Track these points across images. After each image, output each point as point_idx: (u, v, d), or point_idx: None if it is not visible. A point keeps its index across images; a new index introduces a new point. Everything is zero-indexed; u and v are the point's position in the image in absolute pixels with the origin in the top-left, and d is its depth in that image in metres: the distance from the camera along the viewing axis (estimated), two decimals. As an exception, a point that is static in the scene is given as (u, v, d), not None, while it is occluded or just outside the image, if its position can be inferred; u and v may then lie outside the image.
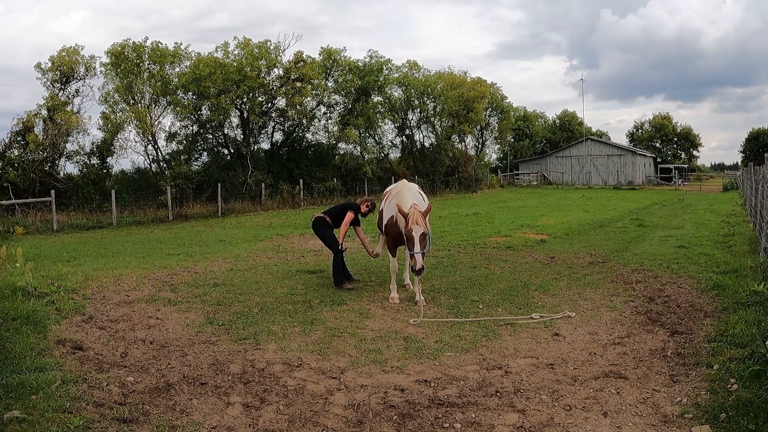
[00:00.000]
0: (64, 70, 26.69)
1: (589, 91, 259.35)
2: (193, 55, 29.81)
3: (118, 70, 27.73)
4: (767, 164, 11.17)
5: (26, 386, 4.63)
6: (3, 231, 18.05)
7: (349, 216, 9.01)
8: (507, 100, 51.08)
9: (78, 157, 27.91)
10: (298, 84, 30.73)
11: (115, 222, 22.01)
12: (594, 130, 73.81)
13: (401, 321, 7.06)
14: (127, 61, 27.71)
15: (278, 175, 31.11)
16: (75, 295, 8.07)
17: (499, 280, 9.33)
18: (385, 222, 8.39)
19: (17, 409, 4.20)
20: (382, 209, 8.68)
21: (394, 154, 43.01)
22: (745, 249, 11.41)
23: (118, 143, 28.78)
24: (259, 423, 4.35)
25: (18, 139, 25.27)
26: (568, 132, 67.69)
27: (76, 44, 32.33)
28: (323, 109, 35.93)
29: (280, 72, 30.99)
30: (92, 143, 28.38)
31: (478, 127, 47.54)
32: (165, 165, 30.02)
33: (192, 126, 31.37)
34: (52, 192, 21.37)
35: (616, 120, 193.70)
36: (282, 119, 33.16)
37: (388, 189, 9.12)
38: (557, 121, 70.34)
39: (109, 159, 29.22)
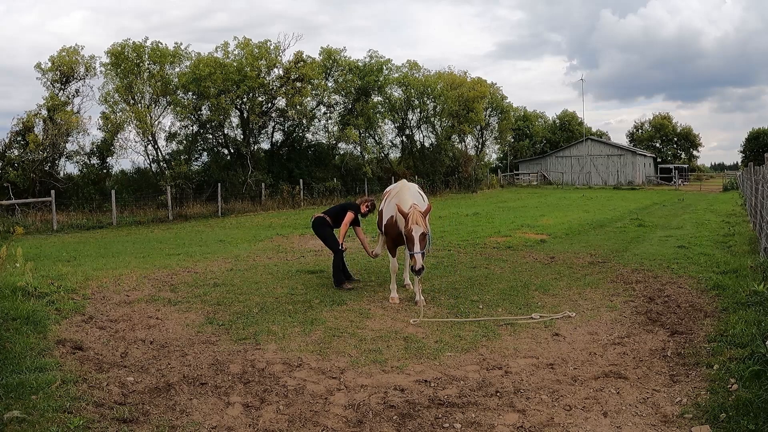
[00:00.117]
0: (64, 70, 26.69)
1: (589, 91, 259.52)
2: (193, 55, 29.85)
3: (118, 70, 27.74)
4: (767, 164, 11.17)
5: (26, 386, 4.63)
6: (3, 231, 18.05)
7: (349, 216, 9.02)
8: (507, 100, 51.13)
9: (78, 157, 27.95)
10: (298, 84, 30.73)
11: (115, 222, 22.01)
12: (594, 130, 73.90)
13: (401, 321, 7.06)
14: (127, 61, 27.71)
15: (278, 175, 31.11)
16: (75, 295, 8.07)
17: (499, 280, 9.33)
18: (384, 222, 8.38)
19: (17, 409, 4.20)
20: (381, 209, 8.68)
21: (394, 154, 43.07)
22: (745, 249, 11.41)
23: (118, 143, 28.83)
24: (259, 423, 4.35)
25: (18, 139, 25.27)
26: (568, 132, 67.69)
27: (76, 44, 32.38)
28: (323, 109, 35.98)
29: (280, 72, 31.00)
30: (92, 143, 28.44)
31: (478, 127, 47.53)
32: (165, 165, 30.03)
33: (192, 126, 31.39)
34: (52, 192, 21.37)
35: (616, 120, 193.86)
36: (282, 119, 33.17)
37: (387, 189, 9.11)
38: (557, 121, 70.34)
39: (109, 159, 29.26)
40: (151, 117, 29.12)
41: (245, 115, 30.73)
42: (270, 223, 20.93)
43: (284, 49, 30.93)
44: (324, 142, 36.38)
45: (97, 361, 5.56)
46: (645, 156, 60.78)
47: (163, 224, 22.13)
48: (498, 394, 4.83)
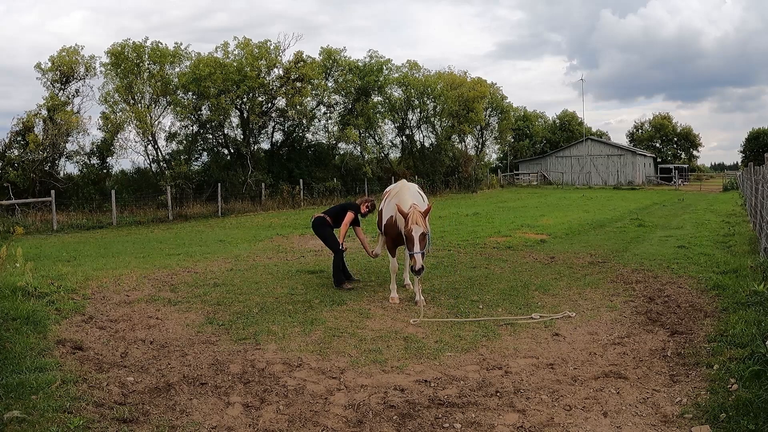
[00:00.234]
0: (64, 70, 26.68)
1: (589, 91, 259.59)
2: (193, 55, 29.84)
3: (118, 70, 27.73)
4: (767, 164, 11.17)
5: (26, 386, 4.63)
6: (3, 231, 18.05)
7: (349, 216, 9.02)
8: (507, 100, 51.13)
9: (78, 157, 27.93)
10: (298, 84, 30.72)
11: (115, 222, 22.01)
12: (594, 130, 73.89)
13: (401, 321, 7.06)
14: (127, 61, 27.71)
15: (278, 175, 31.11)
16: (75, 295, 8.07)
17: (499, 280, 9.33)
18: (384, 222, 8.38)
19: (17, 409, 4.20)
20: (381, 209, 8.68)
21: (394, 154, 43.06)
22: (745, 249, 11.41)
23: (118, 143, 28.80)
24: (259, 423, 4.35)
25: (18, 139, 25.26)
26: (568, 132, 67.68)
27: (76, 44, 32.36)
28: (323, 109, 35.97)
29: (280, 72, 31.00)
30: (92, 143, 28.41)
31: (478, 127, 47.53)
32: (165, 165, 30.02)
33: (192, 126, 31.38)
34: (52, 192, 21.37)
35: (616, 120, 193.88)
36: (282, 119, 33.17)
37: (387, 189, 9.11)
38: (557, 121, 70.33)
39: (109, 159, 29.24)
40: (151, 117, 29.12)
41: (245, 115, 30.73)
42: (270, 223, 20.94)
43: (284, 49, 30.97)
44: (324, 142, 36.38)
45: (97, 361, 5.56)
46: (645, 156, 60.78)
47: (163, 224, 22.13)
48: (498, 394, 4.83)
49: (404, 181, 8.64)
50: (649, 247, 12.48)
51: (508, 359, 5.67)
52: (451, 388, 4.96)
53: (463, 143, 46.20)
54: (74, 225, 20.93)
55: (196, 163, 31.99)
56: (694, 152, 79.81)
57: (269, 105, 31.46)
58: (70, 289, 8.34)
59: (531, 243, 13.60)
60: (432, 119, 42.19)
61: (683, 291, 8.20)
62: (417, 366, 5.50)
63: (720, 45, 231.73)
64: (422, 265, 7.17)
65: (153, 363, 5.60)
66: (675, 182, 51.41)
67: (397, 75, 38.74)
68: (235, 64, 29.33)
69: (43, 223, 20.56)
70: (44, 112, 25.81)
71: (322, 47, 37.51)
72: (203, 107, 29.79)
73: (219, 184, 26.45)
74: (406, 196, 7.90)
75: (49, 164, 25.91)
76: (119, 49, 27.74)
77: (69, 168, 28.36)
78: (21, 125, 25.15)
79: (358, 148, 38.10)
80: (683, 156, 78.16)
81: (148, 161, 30.63)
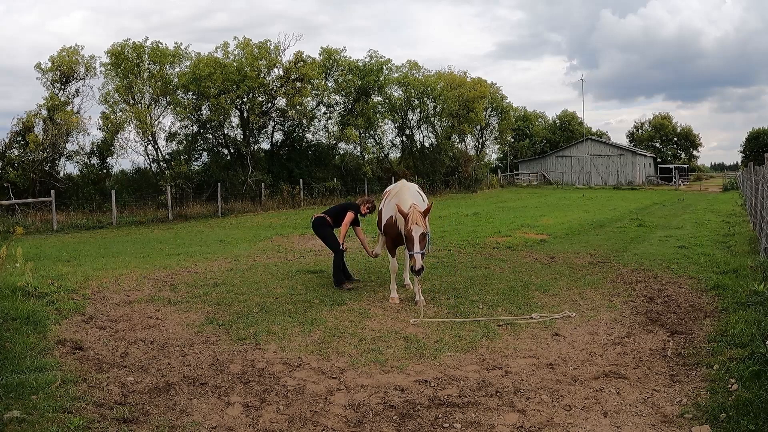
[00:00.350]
0: (64, 70, 26.67)
1: (589, 91, 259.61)
2: (193, 55, 29.83)
3: (118, 70, 27.72)
4: (767, 164, 11.17)
5: (26, 386, 4.63)
6: (3, 231, 18.05)
7: (350, 216, 9.02)
8: (507, 100, 51.11)
9: (78, 157, 27.92)
10: (298, 84, 30.72)
11: (115, 222, 22.01)
12: (594, 130, 73.88)
13: (401, 321, 7.06)
14: (127, 61, 27.70)
15: (278, 175, 31.11)
16: (75, 295, 8.07)
17: (499, 280, 9.33)
18: (384, 222, 8.38)
19: (17, 409, 4.20)
20: (381, 209, 8.68)
21: (394, 154, 43.05)
22: (745, 249, 11.41)
23: (118, 143, 28.79)
24: (259, 423, 4.35)
25: (18, 139, 25.26)
26: (568, 132, 67.67)
27: (76, 44, 32.34)
28: (323, 109, 35.98)
29: (280, 72, 30.99)
30: (92, 143, 28.41)
31: (478, 127, 47.52)
32: (165, 165, 30.02)
33: (192, 126, 31.37)
34: (52, 192, 21.37)
35: (616, 120, 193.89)
36: (282, 119, 33.16)
37: (387, 189, 9.11)
38: (557, 121, 70.32)
39: (109, 159, 29.23)
40: (151, 117, 29.11)
41: (245, 115, 30.73)
42: (270, 223, 20.93)
43: (284, 49, 30.96)
44: (324, 142, 36.38)
45: (97, 361, 5.56)
46: (645, 156, 60.78)
47: (163, 224, 22.13)
48: (498, 394, 4.83)
49: (404, 181, 8.64)
50: (649, 247, 12.48)
51: (508, 359, 5.67)
52: (451, 388, 4.96)
53: (463, 143, 46.23)
54: (74, 225, 20.93)
55: (196, 163, 32.01)
56: (694, 152, 79.87)
57: (269, 105, 31.46)
58: (70, 289, 8.34)
59: (531, 243, 13.60)
60: (432, 119, 42.19)
61: (683, 291, 8.20)
62: (417, 366, 5.50)
63: (720, 45, 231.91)
64: (422, 265, 7.17)
65: (153, 363, 5.60)
66: (675, 182, 51.41)
67: (397, 75, 38.74)
68: (235, 64, 29.33)
69: (43, 223, 20.55)
70: (44, 112, 25.81)
71: (322, 47, 37.56)
72: (203, 107, 29.78)
73: (219, 184, 26.44)
74: (406, 196, 7.89)
75: (49, 164, 25.91)
76: (119, 49, 27.73)
77: (69, 168, 28.42)
78: (21, 125, 25.14)
79: (358, 148, 38.12)
80: (683, 156, 78.16)
81: (148, 161, 30.67)
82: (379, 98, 38.14)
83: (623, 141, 76.37)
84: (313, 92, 33.03)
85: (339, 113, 36.49)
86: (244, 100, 29.86)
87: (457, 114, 41.62)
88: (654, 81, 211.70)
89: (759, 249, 10.45)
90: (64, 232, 19.46)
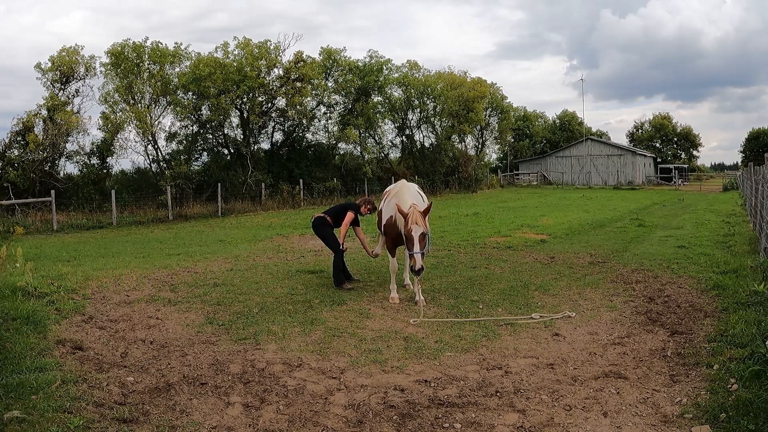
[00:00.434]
0: (64, 70, 26.67)
1: (589, 91, 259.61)
2: (193, 55, 29.83)
3: (118, 70, 27.73)
4: (767, 164, 11.17)
5: (26, 386, 4.63)
6: (3, 231, 18.05)
7: (350, 216, 9.02)
8: (507, 100, 51.13)
9: (78, 157, 27.93)
10: (298, 84, 30.72)
11: (115, 222, 22.01)
12: (594, 130, 73.89)
13: (401, 321, 7.06)
14: (127, 61, 27.70)
15: (278, 175, 31.11)
16: (75, 295, 8.07)
17: (499, 280, 9.33)
18: (384, 222, 8.38)
19: (17, 409, 4.20)
20: (381, 209, 8.68)
21: (394, 154, 43.06)
22: (745, 249, 11.41)
23: (118, 143, 28.79)
24: (259, 423, 4.35)
25: (18, 139, 25.26)
26: (568, 132, 67.68)
27: (75, 44, 32.36)
28: (323, 109, 35.98)
29: (280, 72, 31.00)
30: (92, 143, 28.41)
31: (478, 127, 47.53)
32: (165, 165, 30.02)
33: (192, 126, 31.38)
34: (52, 192, 21.37)
35: (616, 120, 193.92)
36: (282, 119, 33.16)
37: (387, 189, 9.12)
38: (557, 121, 70.32)
39: (109, 159, 29.23)
40: (151, 117, 29.11)
41: (245, 115, 30.73)
42: (270, 223, 20.94)
43: (284, 49, 30.97)
44: (324, 142, 36.38)
45: (97, 361, 5.56)
46: (645, 156, 60.78)
47: (163, 224, 22.13)
48: (498, 394, 4.83)
49: (404, 181, 8.64)
50: (649, 247, 12.48)
51: (508, 359, 5.67)
52: (451, 388, 4.96)
53: (463, 143, 46.24)
54: (74, 225, 20.93)
55: (196, 163, 32.01)
56: (694, 152, 79.88)
57: (269, 105, 31.46)
58: (70, 289, 8.34)
59: (531, 243, 13.59)
60: (432, 119, 42.20)
61: (683, 291, 8.20)
62: (417, 366, 5.50)
63: (720, 45, 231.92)
64: (422, 265, 7.17)
65: (153, 363, 5.60)
66: (675, 182, 51.41)
67: (397, 75, 38.76)
68: (235, 64, 29.33)
69: (43, 223, 20.56)
70: (44, 112, 25.81)
71: (322, 47, 37.58)
72: (203, 107, 29.78)
73: (219, 184, 26.45)
74: (405, 196, 7.89)
75: (49, 164, 25.91)
76: (119, 49, 27.73)
77: (69, 168, 28.42)
78: (21, 125, 25.15)
79: (358, 148, 38.12)
80: (683, 156, 78.17)
81: (148, 161, 30.67)
82: (379, 98, 38.15)
83: (623, 141, 76.47)
84: (313, 92, 33.03)
85: (339, 113, 36.50)
86: (244, 100, 29.87)
87: (457, 114, 41.63)
88: (654, 81, 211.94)
89: (759, 249, 10.45)
90: (64, 232, 19.46)
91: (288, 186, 29.74)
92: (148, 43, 28.49)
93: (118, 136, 28.47)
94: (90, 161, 28.40)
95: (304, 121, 34.02)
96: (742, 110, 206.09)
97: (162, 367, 5.51)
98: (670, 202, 28.89)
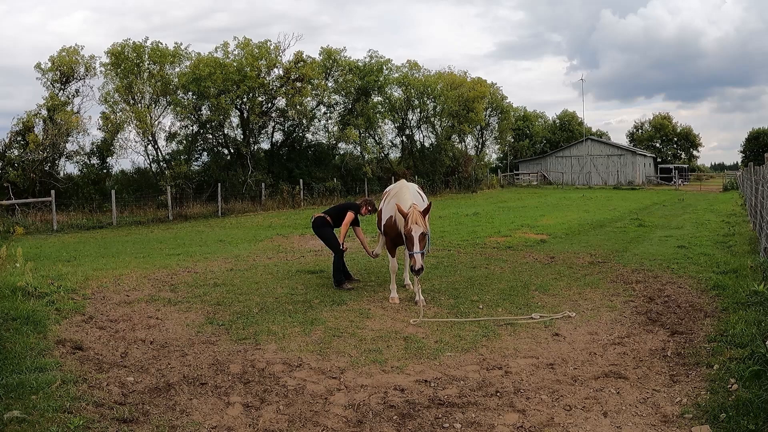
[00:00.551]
0: (64, 70, 26.66)
1: (590, 91, 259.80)
2: (193, 55, 29.83)
3: (118, 70, 27.72)
4: (767, 164, 11.17)
5: (26, 386, 4.63)
6: (3, 231, 18.05)
7: (350, 216, 9.02)
8: (507, 100, 51.11)
9: (78, 157, 27.90)
10: (298, 84, 30.72)
11: (115, 222, 22.01)
12: (594, 130, 73.90)
13: (401, 321, 7.06)
14: (127, 61, 27.70)
15: (278, 175, 31.11)
16: (75, 295, 8.07)
17: (499, 280, 9.33)
18: (384, 222, 8.38)
19: (17, 409, 4.20)
20: (381, 209, 8.69)
21: (394, 154, 43.04)
22: (745, 249, 11.41)
23: (118, 143, 28.79)
24: (259, 423, 4.35)
25: (18, 139, 25.25)
26: (568, 132, 67.68)
27: (76, 44, 32.34)
28: (323, 109, 35.98)
29: (280, 72, 31.00)
30: (92, 143, 28.41)
31: (478, 127, 47.52)
32: (165, 165, 30.02)
33: (192, 126, 31.37)
34: (52, 192, 21.37)
35: (616, 120, 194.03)
36: (282, 119, 33.17)
37: (387, 189, 9.12)
38: (557, 121, 70.34)
39: (109, 159, 29.22)
40: (151, 117, 29.11)
41: (245, 115, 30.73)
42: (270, 223, 20.94)
43: (284, 49, 30.98)
44: (324, 142, 36.39)
45: (97, 361, 5.56)
46: (645, 156, 60.78)
47: (163, 224, 22.13)
48: (498, 394, 4.83)
49: (404, 181, 8.64)
50: (649, 247, 12.48)
51: (508, 359, 5.67)
52: (451, 388, 4.96)
53: (463, 143, 46.24)
54: (74, 225, 20.93)
55: (196, 163, 32.02)
56: (694, 152, 79.87)
57: (269, 105, 31.47)
58: (70, 289, 8.34)
59: (531, 243, 13.60)
60: (432, 119, 42.20)
61: (683, 291, 8.20)
62: (417, 366, 5.50)
63: (720, 45, 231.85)
64: (422, 265, 7.17)
65: (153, 363, 5.60)
66: (675, 182, 51.40)
67: (397, 75, 38.76)
68: (235, 64, 29.32)
69: (43, 223, 20.55)
70: (44, 112, 25.81)
71: (322, 47, 37.56)
72: (203, 107, 29.79)
73: (219, 184, 26.44)
74: (405, 196, 7.90)
75: (49, 164, 25.90)
76: (119, 49, 27.73)
77: (69, 168, 28.39)
78: (21, 125, 25.14)
79: (358, 148, 38.13)
80: (683, 156, 78.17)
81: (148, 161, 30.67)
82: (379, 98, 38.15)
83: (623, 141, 76.47)
84: (313, 92, 33.03)
85: (339, 113, 36.50)
86: (244, 100, 29.86)
87: (457, 114, 41.62)
88: (654, 81, 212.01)
89: (759, 249, 10.45)
90: (64, 232, 19.46)
91: (288, 186, 29.74)
92: (148, 43, 28.52)
93: (118, 136, 28.49)
94: (90, 161, 28.41)
95: (304, 121, 34.03)
96: (742, 110, 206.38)
97: (162, 367, 5.51)
98: (670, 202, 28.89)
